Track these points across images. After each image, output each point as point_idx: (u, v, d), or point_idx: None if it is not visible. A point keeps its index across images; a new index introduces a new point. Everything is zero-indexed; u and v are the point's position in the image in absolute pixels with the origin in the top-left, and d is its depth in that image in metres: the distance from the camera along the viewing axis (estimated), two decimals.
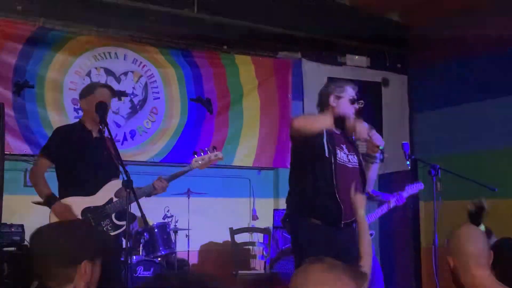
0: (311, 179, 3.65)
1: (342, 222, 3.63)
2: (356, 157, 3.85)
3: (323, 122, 3.62)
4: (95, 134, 3.98)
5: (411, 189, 5.22)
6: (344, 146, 3.82)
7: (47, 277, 1.91)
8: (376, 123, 7.60)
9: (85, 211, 3.79)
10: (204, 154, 4.16)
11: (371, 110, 7.53)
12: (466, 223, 2.68)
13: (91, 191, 3.84)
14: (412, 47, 7.83)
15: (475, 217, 3.23)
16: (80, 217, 3.76)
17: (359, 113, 7.57)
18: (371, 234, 5.03)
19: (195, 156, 4.14)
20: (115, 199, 3.86)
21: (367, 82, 7.59)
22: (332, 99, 3.85)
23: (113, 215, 3.84)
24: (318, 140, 3.63)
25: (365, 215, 3.73)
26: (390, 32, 7.63)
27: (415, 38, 7.75)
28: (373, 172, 3.84)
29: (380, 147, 3.66)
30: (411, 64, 7.85)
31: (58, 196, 3.83)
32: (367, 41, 7.51)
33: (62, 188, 3.89)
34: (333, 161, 3.64)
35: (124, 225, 3.75)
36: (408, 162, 4.67)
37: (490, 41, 6.80)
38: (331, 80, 4.32)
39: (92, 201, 3.82)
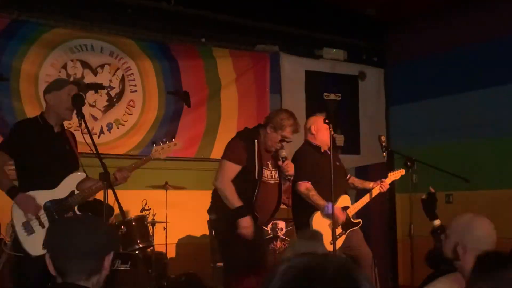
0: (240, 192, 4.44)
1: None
2: (277, 173, 4.65)
3: None
4: (56, 129, 3.96)
5: (393, 176, 5.26)
6: (269, 163, 4.61)
7: (74, 272, 1.92)
8: (353, 116, 7.69)
9: (47, 204, 3.77)
10: (162, 143, 4.23)
11: (348, 103, 7.61)
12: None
13: (52, 185, 3.82)
14: (388, 41, 7.91)
15: (429, 207, 3.31)
16: (42, 210, 3.75)
17: (337, 107, 7.66)
18: (359, 223, 5.11)
19: (154, 146, 4.21)
20: (76, 192, 3.85)
21: (344, 75, 7.65)
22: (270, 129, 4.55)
23: (75, 208, 3.85)
24: (250, 165, 4.45)
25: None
26: (367, 26, 7.70)
27: (392, 31, 7.83)
28: None
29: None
30: (387, 57, 7.93)
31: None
32: (344, 34, 7.57)
33: (22, 183, 3.85)
34: (258, 180, 4.46)
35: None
36: (384, 154, 4.74)
37: (466, 35, 6.90)
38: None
39: (53, 194, 3.80)
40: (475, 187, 6.06)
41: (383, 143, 4.91)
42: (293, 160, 4.85)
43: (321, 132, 5.05)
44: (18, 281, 3.91)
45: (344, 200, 5.10)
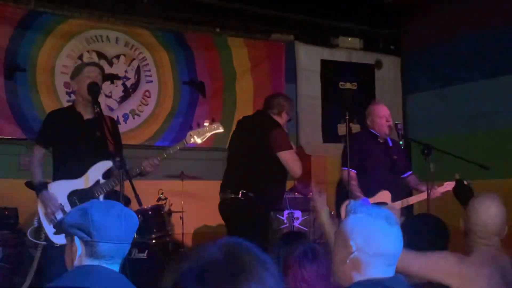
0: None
1: None
2: None
3: None
4: (86, 116, 3.93)
5: (450, 186, 4.85)
6: None
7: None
8: (370, 105, 7.62)
9: (72, 194, 3.77)
10: (201, 127, 3.95)
11: (364, 92, 7.55)
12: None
13: (78, 174, 3.79)
14: (405, 29, 7.82)
15: (460, 194, 3.29)
16: (66, 200, 3.76)
17: (353, 96, 7.60)
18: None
19: (191, 130, 3.93)
20: (102, 181, 3.84)
21: (360, 64, 7.59)
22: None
23: (101, 197, 3.82)
24: None
25: None
26: (383, 14, 7.61)
27: (408, 19, 7.74)
28: None
29: None
30: (404, 45, 7.84)
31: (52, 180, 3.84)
32: (360, 22, 7.50)
33: (55, 172, 3.89)
34: None
35: None
36: (401, 142, 4.69)
37: (486, 19, 6.79)
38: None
39: (78, 184, 3.80)
40: (494, 175, 5.98)
41: (400, 131, 4.84)
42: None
43: (376, 121, 4.92)
44: (44, 269, 3.93)
45: (382, 195, 4.88)
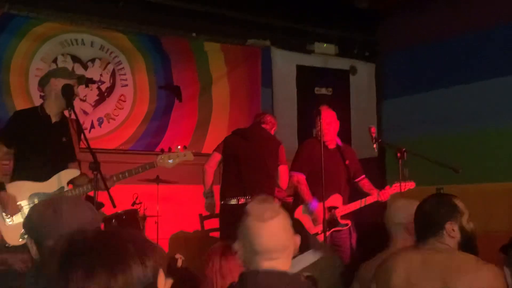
0: None
1: None
2: None
3: None
4: (54, 118, 3.90)
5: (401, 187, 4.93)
6: None
7: None
8: (344, 110, 7.69)
9: (33, 196, 3.73)
10: (172, 152, 3.99)
11: (339, 98, 7.62)
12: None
13: (43, 177, 3.76)
14: (379, 35, 7.92)
15: None
16: (26, 201, 3.71)
17: (328, 101, 7.67)
18: (346, 225, 5.04)
19: (162, 153, 3.99)
20: (66, 188, 3.78)
21: (335, 70, 7.65)
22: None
23: None
24: None
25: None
26: (359, 19, 7.69)
27: (383, 26, 7.83)
28: None
29: None
30: (379, 52, 7.93)
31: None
32: (335, 28, 7.57)
33: (16, 171, 3.83)
34: None
35: None
36: (374, 146, 4.74)
37: (458, 26, 6.90)
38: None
39: (42, 187, 3.75)
40: (466, 180, 6.07)
41: (373, 135, 4.90)
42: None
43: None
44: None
45: (334, 199, 5.00)
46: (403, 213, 2.87)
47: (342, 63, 7.73)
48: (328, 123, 4.90)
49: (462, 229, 2.46)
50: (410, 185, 5.02)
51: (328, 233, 4.90)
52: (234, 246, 1.94)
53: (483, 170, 6.48)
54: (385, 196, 5.00)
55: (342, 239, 5.04)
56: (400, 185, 4.89)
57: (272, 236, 1.86)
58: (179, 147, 4.04)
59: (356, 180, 5.22)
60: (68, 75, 3.95)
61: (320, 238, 4.82)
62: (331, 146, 5.06)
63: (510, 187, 5.71)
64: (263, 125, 5.13)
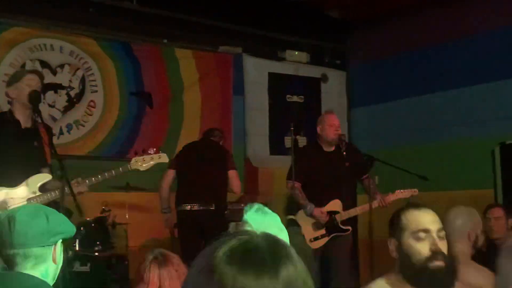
0: None
1: None
2: None
3: None
4: (24, 124, 3.84)
5: (402, 194, 4.99)
6: None
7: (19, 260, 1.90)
8: (316, 118, 7.72)
9: (4, 202, 3.66)
10: (146, 154, 3.96)
11: (310, 105, 7.66)
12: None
13: (14, 183, 3.69)
14: (351, 43, 8.00)
15: None
16: None
17: (300, 109, 7.70)
18: (348, 230, 5.03)
19: (136, 155, 3.94)
20: (38, 193, 3.72)
21: (306, 78, 7.70)
22: None
23: None
24: None
25: None
26: (330, 28, 7.76)
27: (354, 34, 7.92)
28: None
29: None
30: (349, 60, 8.01)
31: None
32: (307, 36, 7.62)
33: None
34: None
35: None
36: (344, 153, 4.78)
37: (427, 37, 7.02)
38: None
39: (12, 193, 3.68)
40: (434, 188, 6.15)
41: (343, 142, 4.95)
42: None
43: (326, 129, 5.05)
44: None
45: (333, 204, 5.00)
46: (466, 220, 2.81)
47: (314, 71, 7.78)
48: (331, 125, 5.01)
49: (399, 247, 2.10)
50: (414, 191, 5.02)
51: (328, 238, 4.92)
52: None
53: (452, 178, 6.58)
54: (387, 201, 4.96)
55: (343, 244, 5.03)
56: (404, 191, 4.96)
57: None
58: (154, 149, 4.01)
59: (361, 179, 5.21)
60: (18, 77, 3.87)
61: (321, 242, 4.87)
62: (330, 149, 5.05)
63: (478, 193, 5.79)
64: (212, 138, 5.55)
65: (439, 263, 2.00)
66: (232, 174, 5.37)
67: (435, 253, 2.02)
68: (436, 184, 5.87)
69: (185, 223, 5.34)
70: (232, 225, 5.38)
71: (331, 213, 4.94)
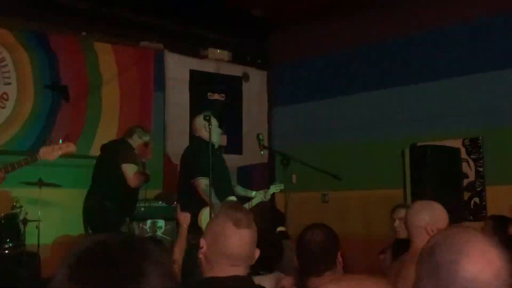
0: None
1: None
2: None
3: None
4: None
5: (274, 188, 5.15)
6: None
7: None
8: (236, 116, 7.80)
9: None
10: (55, 144, 3.96)
11: (231, 104, 7.71)
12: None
13: None
14: (272, 43, 8.11)
15: None
16: None
17: (221, 107, 7.72)
18: None
19: (44, 145, 3.94)
20: None
21: (228, 76, 7.73)
22: None
23: None
24: None
25: None
26: (253, 27, 7.83)
27: (276, 34, 8.02)
28: None
29: None
30: (271, 60, 8.11)
31: None
32: (230, 35, 7.65)
33: None
34: None
35: None
36: (262, 153, 4.85)
37: (347, 38, 7.22)
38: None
39: None
40: (348, 187, 6.35)
41: (261, 141, 5.01)
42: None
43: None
44: None
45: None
46: (425, 215, 2.85)
47: (235, 70, 7.82)
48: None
49: None
50: (281, 186, 5.18)
51: None
52: (201, 241, 1.98)
53: (364, 178, 6.80)
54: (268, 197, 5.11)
55: None
56: (274, 186, 5.11)
57: (243, 244, 1.95)
58: (60, 140, 4.02)
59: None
60: None
61: None
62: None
63: (389, 194, 6.01)
64: (125, 136, 5.53)
65: None
66: (124, 167, 5.21)
67: None
68: (348, 183, 6.05)
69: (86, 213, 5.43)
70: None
71: None
